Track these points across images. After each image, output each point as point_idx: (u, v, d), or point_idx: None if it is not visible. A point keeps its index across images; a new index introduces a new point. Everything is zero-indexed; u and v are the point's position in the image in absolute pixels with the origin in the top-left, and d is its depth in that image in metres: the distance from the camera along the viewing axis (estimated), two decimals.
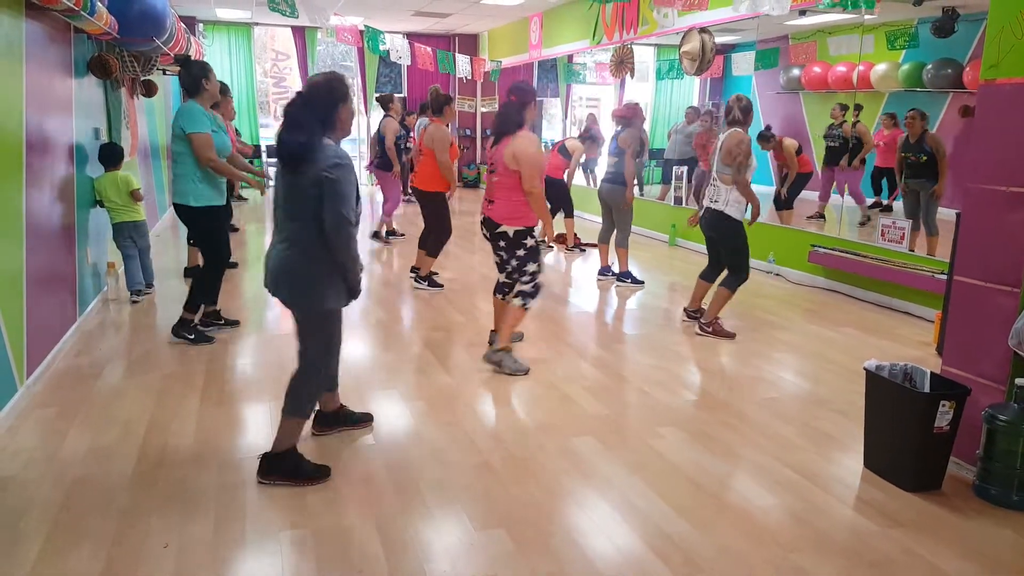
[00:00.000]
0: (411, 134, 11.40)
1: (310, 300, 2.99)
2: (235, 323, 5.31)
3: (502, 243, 4.40)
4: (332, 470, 3.16)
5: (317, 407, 3.41)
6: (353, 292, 3.05)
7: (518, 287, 4.47)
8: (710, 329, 5.23)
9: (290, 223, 2.95)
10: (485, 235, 4.49)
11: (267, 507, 2.89)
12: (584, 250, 8.56)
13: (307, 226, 2.90)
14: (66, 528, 2.71)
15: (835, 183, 8.90)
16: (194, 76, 4.77)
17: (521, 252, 4.38)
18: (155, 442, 3.43)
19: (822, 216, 9.04)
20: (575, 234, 8.75)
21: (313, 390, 3.15)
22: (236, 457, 3.30)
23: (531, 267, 4.40)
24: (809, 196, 9.16)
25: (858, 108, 8.73)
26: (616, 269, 7.08)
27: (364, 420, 3.63)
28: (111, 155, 5.85)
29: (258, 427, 3.65)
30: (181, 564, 2.51)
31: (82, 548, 2.59)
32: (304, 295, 2.99)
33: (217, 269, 4.97)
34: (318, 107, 2.90)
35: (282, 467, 3.07)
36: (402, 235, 9.17)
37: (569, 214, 8.61)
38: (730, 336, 5.22)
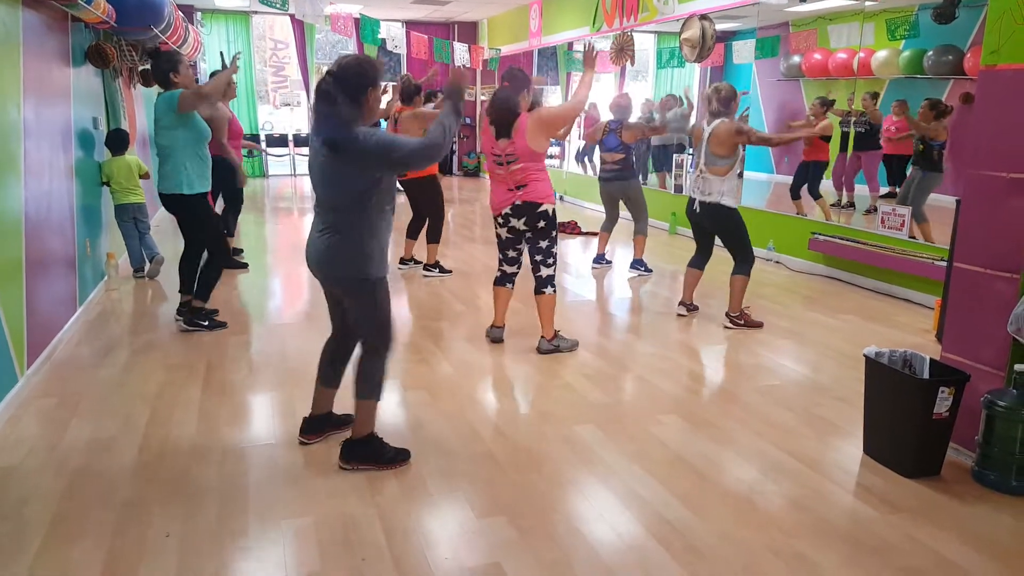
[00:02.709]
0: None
1: (356, 270, 2.97)
2: (214, 312, 5.15)
3: (541, 223, 4.39)
4: (333, 460, 3.17)
5: (309, 411, 3.39)
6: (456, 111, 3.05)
7: (544, 272, 4.49)
8: (741, 321, 5.17)
9: (331, 212, 2.96)
10: (515, 226, 4.44)
11: (269, 496, 2.89)
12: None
13: (351, 210, 2.92)
14: (68, 518, 2.72)
15: (861, 169, 8.81)
16: (161, 71, 4.76)
17: (555, 232, 4.48)
18: (157, 432, 3.44)
19: (852, 204, 8.95)
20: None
21: (383, 369, 3.14)
22: (238, 447, 3.31)
23: (555, 249, 4.53)
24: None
25: (875, 96, 8.67)
26: (610, 258, 7.13)
27: (347, 421, 3.44)
28: (119, 140, 6.14)
29: (260, 417, 3.66)
30: (183, 554, 2.52)
31: (84, 538, 2.60)
32: (349, 267, 2.97)
33: (222, 255, 4.97)
34: (347, 88, 2.86)
35: (365, 452, 3.12)
36: None
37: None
38: (758, 325, 5.19)
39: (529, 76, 4.54)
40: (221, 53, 5.65)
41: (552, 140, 8.06)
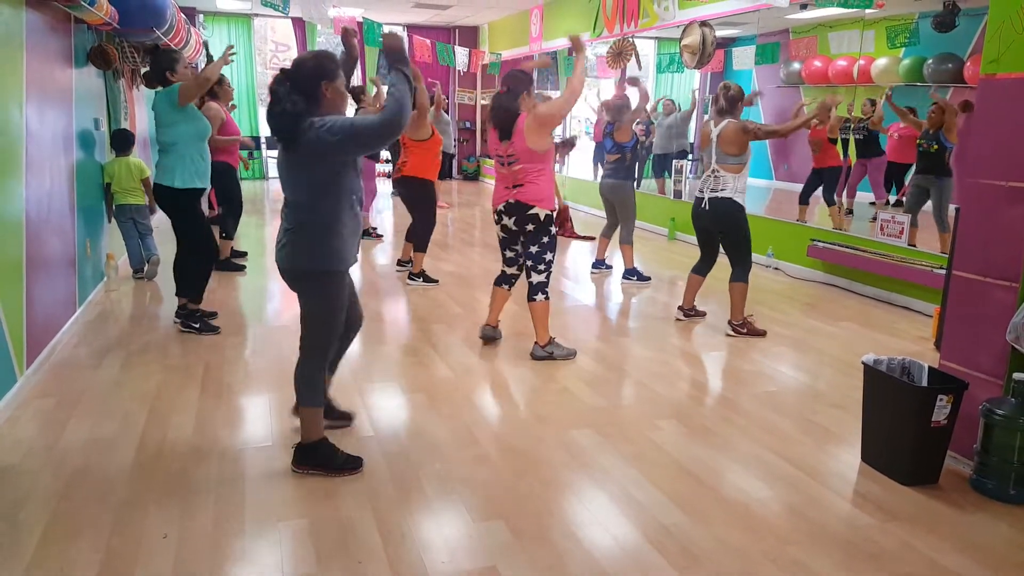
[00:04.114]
0: None
1: (312, 262, 2.94)
2: (212, 315, 5.17)
3: (530, 227, 4.39)
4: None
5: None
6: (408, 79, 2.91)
7: (535, 278, 4.47)
8: (744, 330, 5.15)
9: (295, 209, 2.96)
10: (506, 224, 4.47)
11: (266, 498, 2.89)
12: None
13: (312, 204, 2.90)
14: (65, 518, 2.72)
15: (867, 176, 8.82)
16: (160, 66, 4.80)
17: (546, 239, 4.43)
18: (154, 433, 3.43)
19: (851, 212, 8.95)
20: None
21: (316, 374, 3.10)
22: (235, 449, 3.31)
23: (549, 255, 4.46)
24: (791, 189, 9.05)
25: (872, 103, 8.69)
26: (610, 263, 7.13)
27: (344, 416, 3.54)
28: (124, 141, 6.17)
29: (257, 419, 3.65)
30: (180, 555, 2.52)
31: (81, 538, 2.60)
32: (306, 259, 2.95)
33: (208, 255, 4.96)
34: (301, 83, 2.85)
35: (314, 457, 3.08)
36: (379, 235, 8.75)
37: None
38: (761, 334, 5.15)
39: (531, 75, 4.52)
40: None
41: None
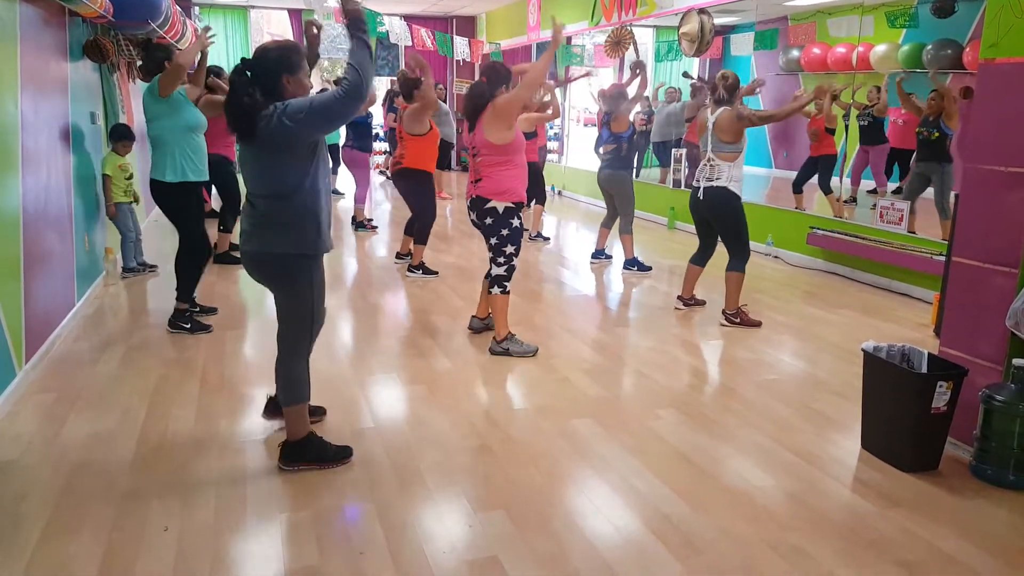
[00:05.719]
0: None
1: (288, 246, 2.85)
2: (212, 310, 5.16)
3: (489, 220, 4.37)
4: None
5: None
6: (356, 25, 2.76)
7: (495, 271, 4.44)
8: (737, 320, 5.11)
9: (265, 201, 2.86)
10: (473, 219, 4.50)
11: (267, 491, 2.90)
12: (548, 239, 8.30)
13: (289, 194, 2.81)
14: (66, 512, 2.72)
15: (869, 164, 8.77)
16: (157, 60, 4.77)
17: (505, 231, 4.38)
18: (155, 427, 3.43)
19: (854, 199, 8.92)
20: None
21: (303, 368, 3.06)
22: (236, 441, 3.31)
23: (509, 248, 4.41)
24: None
25: (878, 89, 8.65)
26: (610, 253, 7.12)
27: (315, 413, 3.45)
28: (122, 136, 5.99)
29: (258, 412, 3.64)
30: (182, 548, 2.52)
31: (82, 532, 2.60)
32: (279, 243, 2.86)
33: (201, 253, 4.90)
34: (261, 75, 2.78)
35: (305, 453, 3.05)
36: (374, 227, 8.68)
37: (540, 201, 8.21)
38: (756, 324, 5.11)
39: (511, 71, 4.46)
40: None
41: (545, 132, 7.83)
